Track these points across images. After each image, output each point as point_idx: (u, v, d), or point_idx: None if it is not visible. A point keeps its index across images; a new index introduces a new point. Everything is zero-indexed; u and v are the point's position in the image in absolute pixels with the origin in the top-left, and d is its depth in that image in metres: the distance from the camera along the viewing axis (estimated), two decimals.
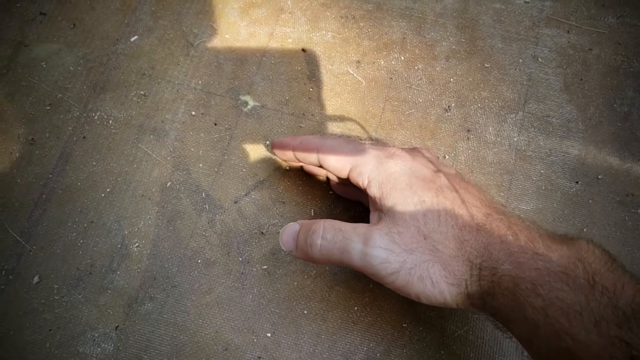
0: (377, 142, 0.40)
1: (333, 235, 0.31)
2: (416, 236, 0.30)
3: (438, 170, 0.32)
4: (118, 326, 0.38)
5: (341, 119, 0.44)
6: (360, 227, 0.31)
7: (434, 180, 0.32)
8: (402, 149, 0.34)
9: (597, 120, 0.44)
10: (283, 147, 0.38)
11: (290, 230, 0.34)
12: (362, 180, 0.33)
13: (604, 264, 0.26)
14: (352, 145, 0.34)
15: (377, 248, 0.30)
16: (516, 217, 0.30)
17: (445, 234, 0.29)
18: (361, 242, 0.30)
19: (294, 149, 0.37)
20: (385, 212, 0.31)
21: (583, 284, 0.25)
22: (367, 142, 0.36)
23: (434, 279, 0.29)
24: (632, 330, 0.23)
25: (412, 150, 0.34)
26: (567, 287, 0.25)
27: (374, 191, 0.32)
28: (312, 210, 0.41)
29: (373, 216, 0.33)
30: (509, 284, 0.27)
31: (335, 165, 0.34)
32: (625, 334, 0.23)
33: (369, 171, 0.32)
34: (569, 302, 0.25)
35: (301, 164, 0.40)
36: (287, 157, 0.38)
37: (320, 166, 0.36)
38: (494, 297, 0.28)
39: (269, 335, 0.37)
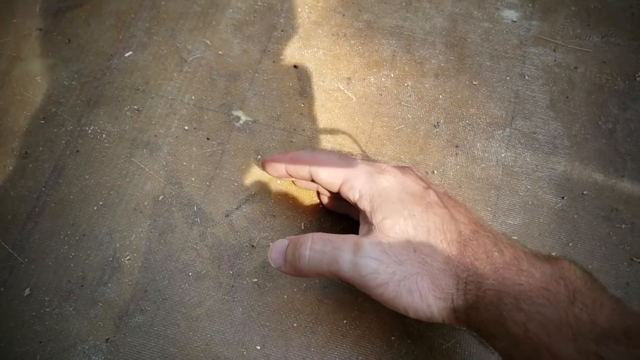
0: (368, 158, 0.40)
1: (322, 245, 0.32)
2: (406, 248, 0.30)
3: (428, 187, 0.33)
4: (108, 338, 0.38)
5: (332, 134, 0.44)
6: (350, 237, 0.32)
7: (423, 196, 0.32)
8: (393, 166, 0.34)
9: (582, 137, 0.44)
10: (274, 162, 0.38)
11: (278, 246, 0.34)
12: (353, 194, 0.33)
13: (584, 283, 0.26)
14: (344, 159, 0.35)
15: (367, 258, 0.30)
16: (502, 234, 0.31)
17: (434, 248, 0.30)
18: (351, 252, 0.30)
19: (286, 163, 0.38)
20: (375, 225, 0.32)
21: (563, 300, 0.25)
22: (358, 157, 0.37)
23: (422, 292, 0.29)
24: (608, 346, 0.23)
25: (403, 168, 0.35)
26: (548, 303, 0.25)
27: (364, 204, 0.33)
28: (303, 224, 0.42)
29: (363, 229, 0.33)
30: (492, 299, 0.27)
31: (327, 179, 0.35)
32: (601, 349, 0.23)
33: (360, 185, 0.33)
34: (549, 317, 0.25)
35: (292, 179, 0.40)
36: (279, 174, 0.39)
37: (312, 180, 0.37)
38: (478, 312, 0.28)
39: (258, 348, 0.38)
